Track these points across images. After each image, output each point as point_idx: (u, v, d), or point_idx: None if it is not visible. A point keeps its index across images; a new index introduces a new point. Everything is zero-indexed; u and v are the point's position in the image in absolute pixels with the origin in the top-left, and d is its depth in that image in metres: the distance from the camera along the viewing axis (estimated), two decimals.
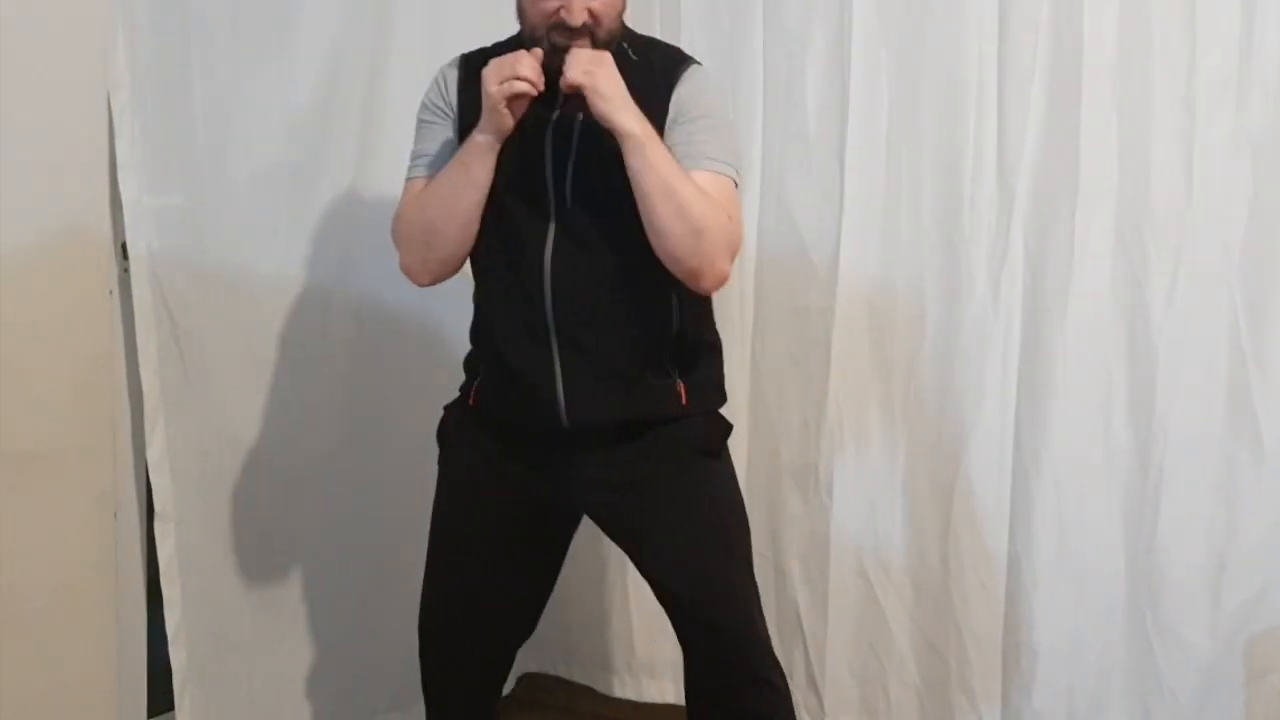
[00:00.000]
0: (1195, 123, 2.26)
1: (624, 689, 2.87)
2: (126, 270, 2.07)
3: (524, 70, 1.76)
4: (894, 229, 2.48)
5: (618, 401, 1.90)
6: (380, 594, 2.51)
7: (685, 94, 1.87)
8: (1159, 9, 2.26)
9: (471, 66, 1.91)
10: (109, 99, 2.00)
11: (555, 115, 1.86)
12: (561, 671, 2.92)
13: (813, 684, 2.64)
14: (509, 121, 1.80)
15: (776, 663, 2.01)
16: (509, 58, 1.78)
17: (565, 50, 1.78)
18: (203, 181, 2.17)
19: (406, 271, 1.95)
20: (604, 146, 1.81)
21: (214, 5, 2.15)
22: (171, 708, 2.17)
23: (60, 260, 2.00)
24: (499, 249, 1.90)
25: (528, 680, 2.89)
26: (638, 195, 1.78)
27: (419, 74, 2.48)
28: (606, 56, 1.79)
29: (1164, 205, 2.29)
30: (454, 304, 2.59)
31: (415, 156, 1.96)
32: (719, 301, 2.04)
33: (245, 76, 2.21)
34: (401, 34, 2.46)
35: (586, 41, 1.79)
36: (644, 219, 1.79)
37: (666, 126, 1.84)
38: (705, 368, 2.00)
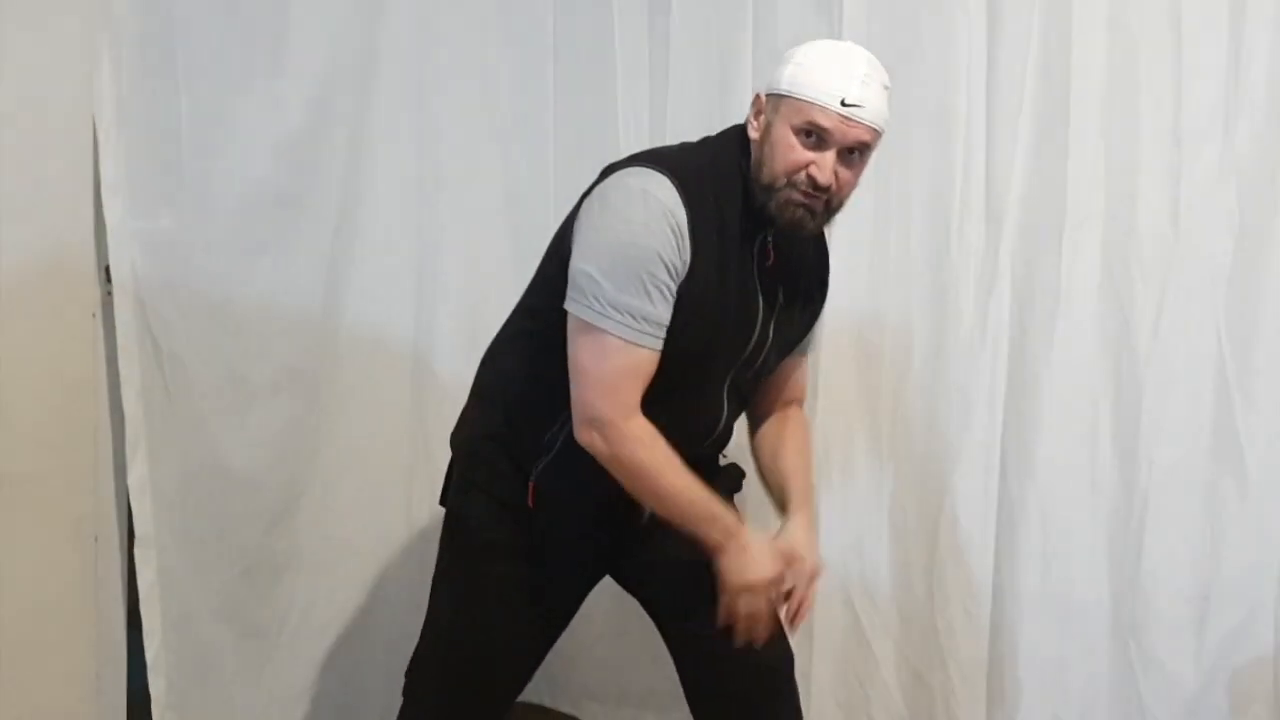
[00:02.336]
0: (1182, 154, 2.27)
1: (608, 717, 2.85)
2: (110, 293, 2.05)
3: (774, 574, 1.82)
4: (881, 259, 2.48)
5: None
6: (363, 621, 2.49)
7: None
8: (1146, 41, 2.27)
9: (694, 206, 1.74)
10: (94, 121, 1.99)
11: (767, 272, 1.84)
12: (546, 700, 2.89)
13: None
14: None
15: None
16: (775, 575, 1.82)
17: (791, 204, 1.75)
18: (188, 205, 2.16)
19: (589, 448, 1.76)
20: (790, 320, 1.90)
21: (200, 28, 2.14)
22: None
23: (43, 283, 1.99)
24: (674, 387, 1.77)
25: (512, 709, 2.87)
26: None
27: (406, 100, 2.49)
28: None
29: (1151, 236, 2.30)
30: (442, 329, 2.60)
31: (637, 317, 1.70)
32: None
33: (231, 100, 2.20)
34: (389, 60, 2.45)
35: (821, 203, 1.75)
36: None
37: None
38: None
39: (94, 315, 2.07)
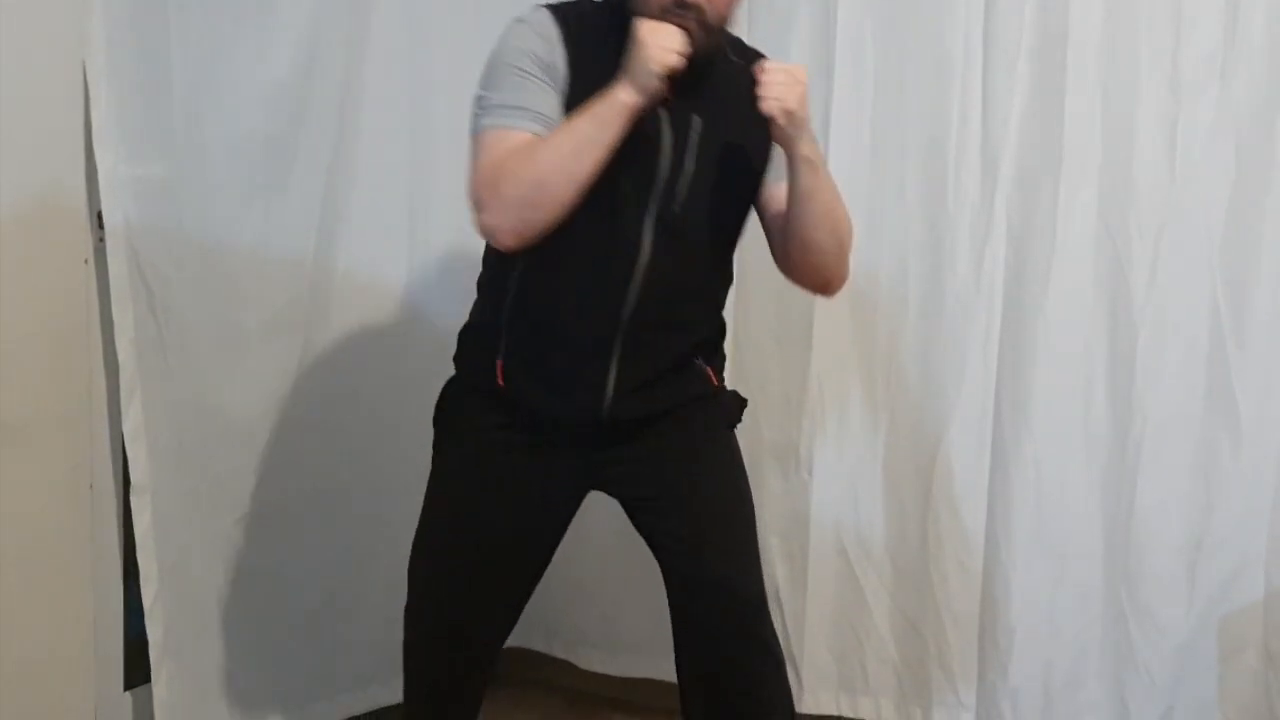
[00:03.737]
0: (1180, 103, 2.26)
1: (604, 664, 2.87)
2: (102, 240, 2.05)
3: (680, 46, 1.68)
4: (877, 207, 2.47)
5: (661, 394, 1.91)
6: (359, 567, 2.50)
7: None
8: None
9: (569, 23, 1.77)
10: (84, 66, 1.97)
11: (673, 103, 1.77)
12: (541, 646, 2.91)
13: (791, 661, 2.63)
14: (658, 88, 1.68)
15: (776, 635, 2.01)
16: (667, 28, 1.68)
17: (690, 29, 1.69)
18: (180, 151, 2.14)
19: (491, 232, 1.73)
20: (722, 148, 1.81)
21: None
22: (149, 680, 2.15)
23: (35, 229, 1.98)
24: (586, 228, 1.73)
25: (507, 655, 2.87)
26: (800, 212, 1.80)
27: (399, 45, 2.47)
28: (802, 74, 1.73)
29: (1147, 185, 2.30)
30: (436, 273, 2.59)
31: (509, 106, 1.73)
32: None
33: (223, 45, 2.18)
34: (381, 6, 2.43)
35: (693, 21, 1.70)
36: (796, 235, 1.83)
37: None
38: (720, 350, 2.03)
39: (86, 262, 2.06)
